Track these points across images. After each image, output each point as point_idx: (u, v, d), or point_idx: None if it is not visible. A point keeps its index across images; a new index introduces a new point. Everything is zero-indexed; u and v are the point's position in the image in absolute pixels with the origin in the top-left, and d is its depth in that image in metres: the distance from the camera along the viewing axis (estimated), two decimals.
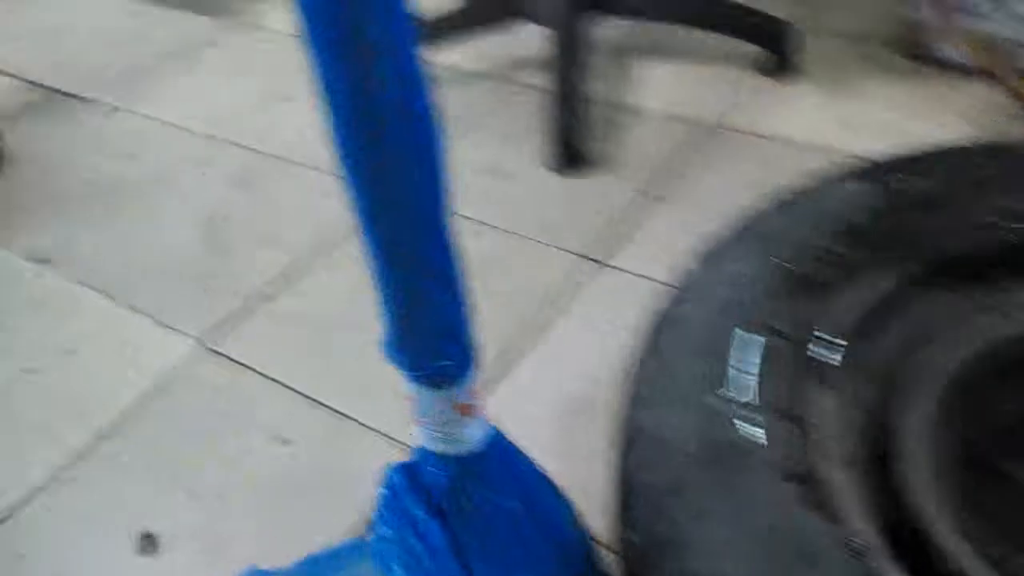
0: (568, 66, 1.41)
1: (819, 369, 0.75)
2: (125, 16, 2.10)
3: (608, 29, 1.76)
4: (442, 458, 0.59)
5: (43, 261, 1.37)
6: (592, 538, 0.76)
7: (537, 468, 0.67)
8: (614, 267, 1.20)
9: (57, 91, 1.82)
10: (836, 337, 0.77)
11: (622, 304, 1.13)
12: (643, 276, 1.17)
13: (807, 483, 0.65)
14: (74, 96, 1.80)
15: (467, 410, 0.57)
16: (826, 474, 0.67)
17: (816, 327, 0.77)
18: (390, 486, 0.62)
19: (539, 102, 1.48)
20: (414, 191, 0.46)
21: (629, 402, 0.75)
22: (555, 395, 1.03)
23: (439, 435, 0.58)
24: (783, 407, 0.70)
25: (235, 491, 0.98)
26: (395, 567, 0.60)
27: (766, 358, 0.74)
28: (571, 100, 1.39)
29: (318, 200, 1.40)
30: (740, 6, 1.51)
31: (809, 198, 0.90)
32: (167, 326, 1.21)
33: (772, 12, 1.52)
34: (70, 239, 1.40)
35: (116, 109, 1.74)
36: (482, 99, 1.60)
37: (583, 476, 0.78)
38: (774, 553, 0.61)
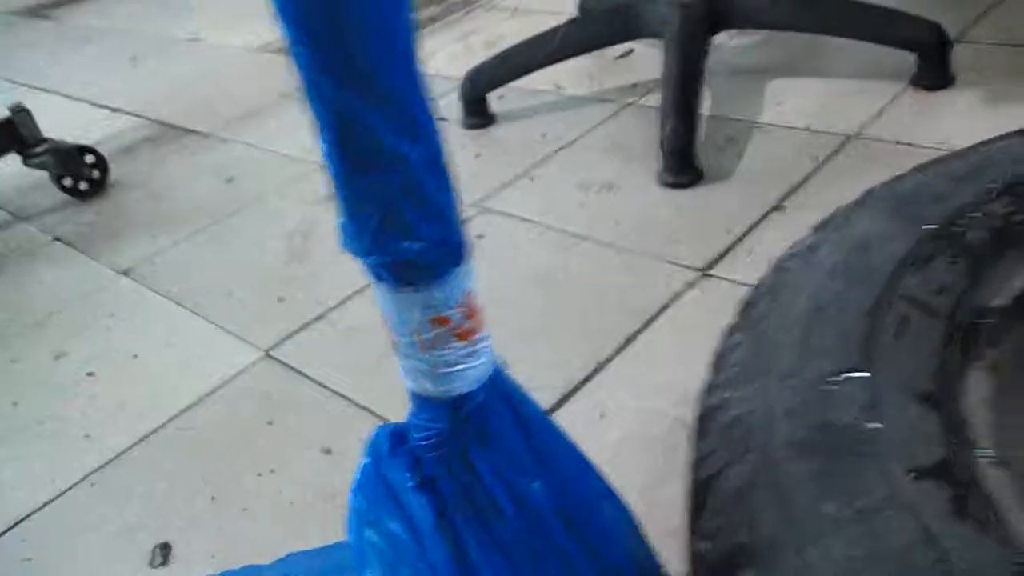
0: (684, 81, 1.27)
1: (969, 346, 0.56)
2: (254, 66, 2.14)
3: (736, 40, 1.63)
4: (429, 405, 0.44)
5: (125, 272, 1.33)
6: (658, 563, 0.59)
7: (575, 448, 0.52)
8: (719, 277, 1.03)
9: (173, 127, 1.85)
10: (990, 310, 0.58)
11: (719, 313, 0.96)
12: (747, 285, 0.99)
13: (950, 482, 0.46)
14: (188, 130, 1.82)
15: (455, 330, 0.42)
16: (975, 472, 0.48)
17: (968, 297, 0.58)
18: (373, 451, 0.47)
19: (652, 119, 1.35)
20: None
21: (716, 384, 0.59)
22: (639, 405, 0.87)
23: (420, 366, 0.43)
24: (921, 389, 0.52)
25: (265, 501, 0.86)
26: (369, 556, 0.45)
27: (900, 331, 0.56)
28: (686, 114, 1.25)
29: None
30: (882, 10, 1.34)
31: (961, 158, 0.72)
32: (235, 335, 1.12)
33: (918, 16, 1.34)
34: (155, 254, 1.36)
35: (224, 141, 1.73)
36: (594, 116, 1.49)
37: (658, 495, 0.61)
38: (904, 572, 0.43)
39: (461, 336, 0.43)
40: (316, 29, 0.34)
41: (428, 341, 0.42)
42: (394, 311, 0.42)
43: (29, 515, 0.91)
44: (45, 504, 0.92)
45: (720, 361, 0.60)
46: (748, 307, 0.64)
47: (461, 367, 0.44)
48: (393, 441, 0.47)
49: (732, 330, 0.63)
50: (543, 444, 0.48)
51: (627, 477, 0.79)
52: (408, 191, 0.37)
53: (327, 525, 0.80)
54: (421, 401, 0.45)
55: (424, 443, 0.45)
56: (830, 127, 1.29)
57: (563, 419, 0.87)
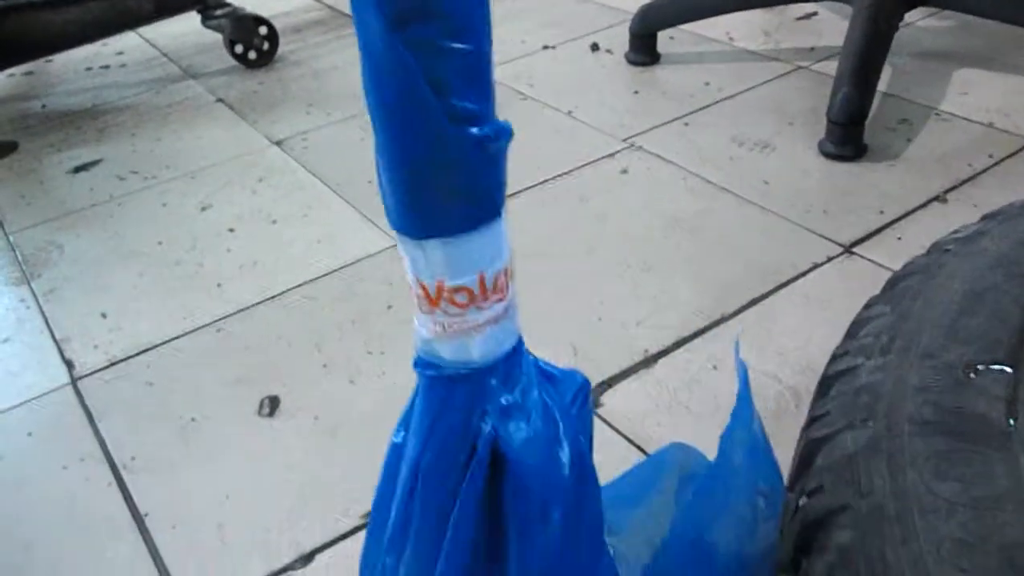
0: (867, 51, 1.21)
1: None
2: None
3: (929, 20, 1.54)
4: (434, 370, 0.43)
5: (277, 143, 1.37)
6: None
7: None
8: (862, 255, 0.99)
9: (344, 13, 1.89)
10: None
11: (857, 293, 0.93)
12: (890, 269, 0.95)
13: None
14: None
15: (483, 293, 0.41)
16: None
17: None
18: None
19: (824, 86, 1.29)
20: None
21: (849, 350, 0.57)
22: (754, 366, 0.85)
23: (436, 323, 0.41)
24: None
25: (371, 377, 0.89)
26: None
27: None
28: (862, 86, 1.19)
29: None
30: None
31: None
32: (369, 220, 1.15)
33: None
34: (308, 131, 1.40)
35: None
36: (763, 73, 1.44)
37: None
38: (1008, 569, 0.41)
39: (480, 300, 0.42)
40: None
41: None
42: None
43: (157, 345, 0.97)
44: (173, 339, 0.98)
45: (857, 329, 0.58)
46: (897, 281, 0.61)
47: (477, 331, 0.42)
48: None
49: (875, 301, 0.60)
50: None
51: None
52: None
53: None
54: (424, 363, 0.44)
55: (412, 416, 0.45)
56: (1015, 127, 1.21)
57: (675, 362, 0.86)
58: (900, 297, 0.59)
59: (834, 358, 0.57)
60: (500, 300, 0.41)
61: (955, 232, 0.65)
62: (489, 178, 0.39)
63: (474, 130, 0.37)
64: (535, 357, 0.45)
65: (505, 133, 0.38)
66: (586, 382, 0.47)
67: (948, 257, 0.61)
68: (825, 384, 0.55)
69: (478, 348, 0.41)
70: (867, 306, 0.61)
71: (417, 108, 0.36)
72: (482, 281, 0.40)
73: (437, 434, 0.43)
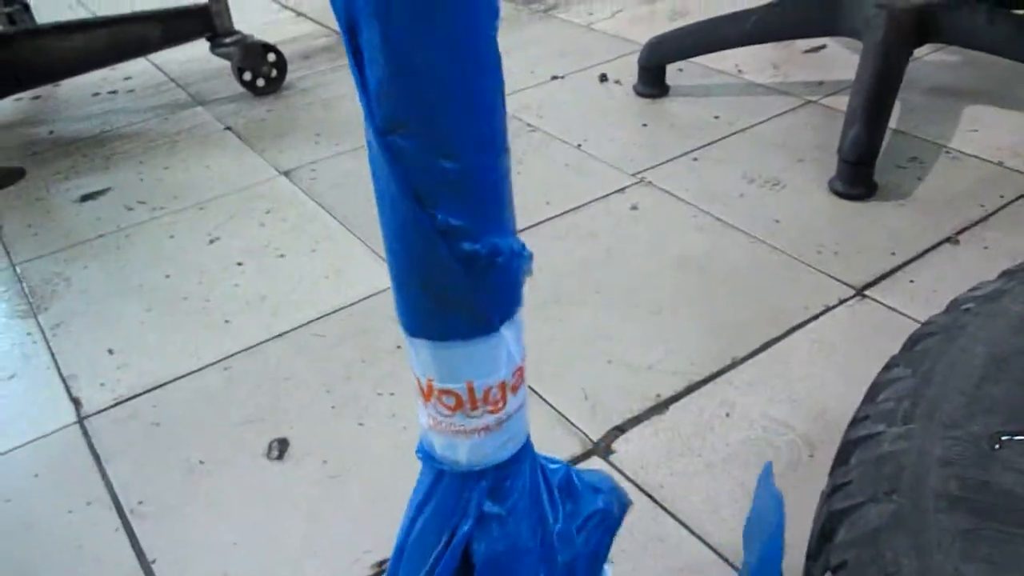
0: (879, 89, 1.21)
1: None
2: None
3: (938, 55, 1.54)
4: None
5: (285, 173, 1.37)
6: None
7: None
8: (875, 299, 0.99)
9: None
10: None
11: (870, 338, 0.92)
12: (903, 315, 0.95)
13: None
14: None
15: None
16: None
17: None
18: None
19: (834, 121, 1.29)
20: None
21: (869, 415, 0.56)
22: (766, 412, 0.84)
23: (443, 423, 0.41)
24: None
25: (380, 420, 0.88)
26: None
27: None
28: (873, 124, 1.18)
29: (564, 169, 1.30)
30: None
31: None
32: (379, 256, 1.15)
33: None
34: (316, 161, 1.40)
35: None
36: (772, 107, 1.44)
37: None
38: None
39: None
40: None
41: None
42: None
43: (164, 384, 0.96)
44: (180, 377, 0.97)
45: (877, 392, 0.57)
46: (916, 342, 0.60)
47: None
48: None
49: (895, 362, 0.60)
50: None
51: (740, 479, 0.78)
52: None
53: None
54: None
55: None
56: None
57: (688, 407, 0.85)
58: (921, 359, 0.58)
59: (855, 422, 0.56)
60: (492, 412, 0.40)
61: (974, 289, 0.65)
62: (481, 294, 0.37)
63: (465, 245, 0.36)
64: (568, 466, 0.45)
65: (507, 253, 0.36)
66: (608, 509, 0.46)
67: (969, 317, 0.60)
68: (846, 450, 0.54)
69: (465, 453, 0.41)
70: (887, 367, 0.60)
71: (401, 213, 0.35)
72: (471, 391, 0.39)
73: (424, 515, 0.42)
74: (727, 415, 0.85)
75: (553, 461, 0.47)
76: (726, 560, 0.71)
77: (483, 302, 0.37)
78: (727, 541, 0.73)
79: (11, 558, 0.78)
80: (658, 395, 0.88)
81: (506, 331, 0.38)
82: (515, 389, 0.40)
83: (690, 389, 0.89)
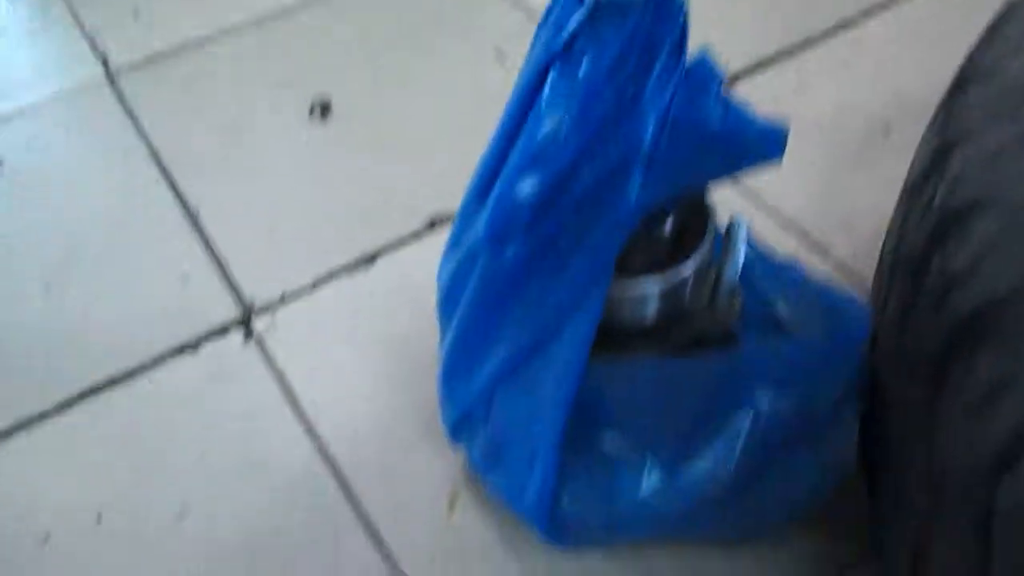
0: None
1: None
2: None
3: None
4: None
5: None
6: None
7: None
8: None
9: None
10: None
11: (957, 21, 0.85)
12: None
13: None
14: None
15: None
16: None
17: None
18: None
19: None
20: None
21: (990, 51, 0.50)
22: (842, 97, 0.79)
23: None
24: None
25: (427, 82, 0.83)
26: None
27: None
28: None
29: None
30: None
31: None
32: None
33: None
34: None
35: None
36: None
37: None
38: None
39: None
40: None
41: None
42: None
43: (194, 45, 0.90)
44: (210, 36, 0.91)
45: (1001, 26, 0.51)
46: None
47: None
48: None
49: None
50: None
51: (811, 154, 0.74)
52: None
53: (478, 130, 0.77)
54: None
55: None
56: None
57: (766, 78, 0.80)
58: None
59: (971, 59, 0.51)
60: None
61: None
62: None
63: None
64: None
65: None
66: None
67: None
68: (961, 81, 0.49)
69: None
70: (1012, 6, 0.53)
71: None
72: None
73: None
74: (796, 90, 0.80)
75: None
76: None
77: None
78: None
79: (49, 206, 0.76)
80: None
81: None
82: None
83: (760, 65, 0.83)
